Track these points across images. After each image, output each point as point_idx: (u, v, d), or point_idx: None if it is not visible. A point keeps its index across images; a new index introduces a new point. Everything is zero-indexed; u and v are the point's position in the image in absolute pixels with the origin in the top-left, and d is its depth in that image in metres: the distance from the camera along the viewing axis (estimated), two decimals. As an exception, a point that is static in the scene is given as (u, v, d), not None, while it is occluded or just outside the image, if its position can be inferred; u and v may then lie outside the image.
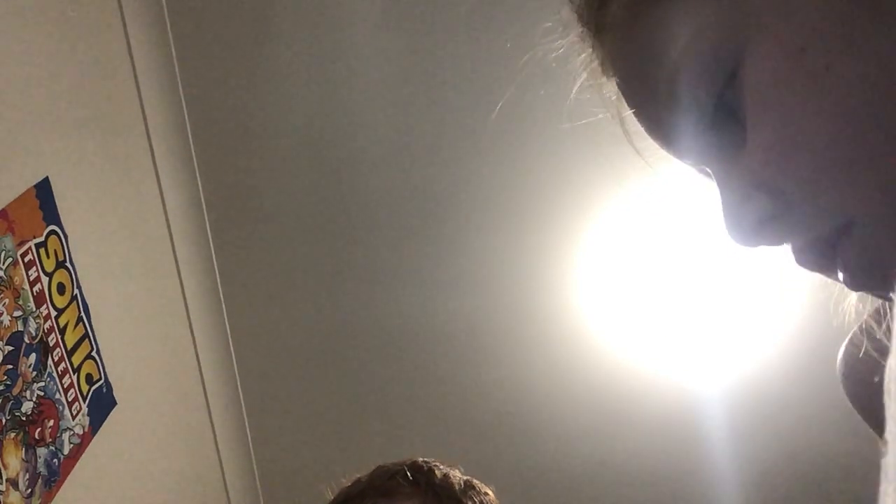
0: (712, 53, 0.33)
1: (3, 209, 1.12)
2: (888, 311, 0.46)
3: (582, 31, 0.41)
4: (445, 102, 1.61)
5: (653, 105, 0.37)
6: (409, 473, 0.87)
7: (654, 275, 1.73)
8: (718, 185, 0.37)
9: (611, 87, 0.43)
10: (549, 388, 1.91)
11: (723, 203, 0.37)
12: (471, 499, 0.87)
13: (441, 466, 0.90)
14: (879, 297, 0.37)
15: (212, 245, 1.78)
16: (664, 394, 1.87)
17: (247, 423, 2.01)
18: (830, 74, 0.29)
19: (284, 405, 2.01)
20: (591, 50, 0.42)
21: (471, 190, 1.70)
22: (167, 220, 1.69)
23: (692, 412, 1.87)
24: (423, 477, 0.87)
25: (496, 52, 1.55)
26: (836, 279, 0.36)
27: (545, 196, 1.68)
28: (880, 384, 0.28)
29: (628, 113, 0.41)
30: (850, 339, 0.47)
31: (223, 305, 1.85)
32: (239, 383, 1.95)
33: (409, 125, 1.64)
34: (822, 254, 0.34)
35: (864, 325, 0.46)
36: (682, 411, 1.87)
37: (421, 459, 0.91)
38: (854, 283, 0.34)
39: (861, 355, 0.45)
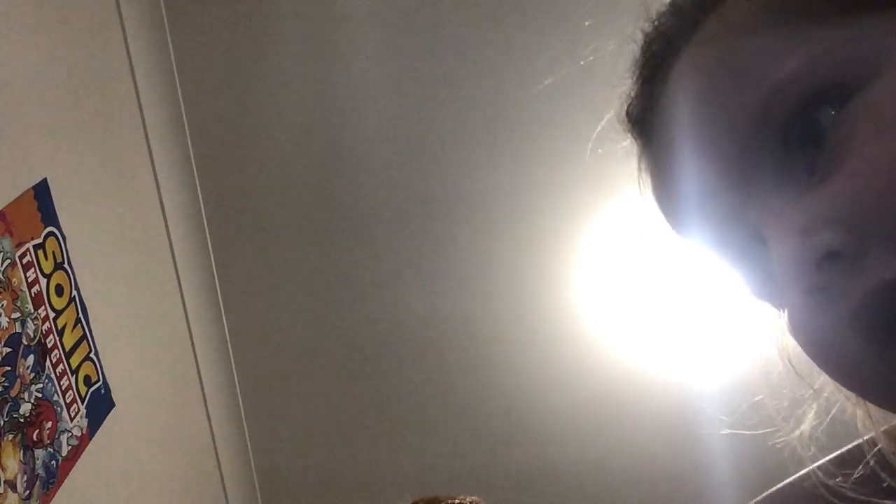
0: (831, 77, 0.31)
1: (1, 210, 1.11)
2: None
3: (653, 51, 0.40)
4: (444, 107, 1.61)
5: (719, 127, 0.35)
6: None
7: (653, 276, 1.73)
8: (770, 223, 0.33)
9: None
10: (549, 390, 1.90)
11: (778, 240, 0.33)
12: None
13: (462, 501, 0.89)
14: None
15: (210, 246, 1.78)
16: (664, 394, 1.87)
17: (245, 425, 2.01)
18: None
19: (283, 407, 2.00)
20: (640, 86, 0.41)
21: (469, 193, 1.70)
22: (165, 221, 1.68)
23: (692, 412, 1.87)
24: None
25: (496, 57, 1.55)
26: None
27: (544, 198, 1.68)
28: None
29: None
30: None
31: (221, 307, 1.85)
32: (237, 384, 1.95)
33: (407, 129, 1.64)
34: (890, 304, 0.28)
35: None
36: (682, 412, 1.87)
37: (443, 495, 0.89)
38: None
39: None
